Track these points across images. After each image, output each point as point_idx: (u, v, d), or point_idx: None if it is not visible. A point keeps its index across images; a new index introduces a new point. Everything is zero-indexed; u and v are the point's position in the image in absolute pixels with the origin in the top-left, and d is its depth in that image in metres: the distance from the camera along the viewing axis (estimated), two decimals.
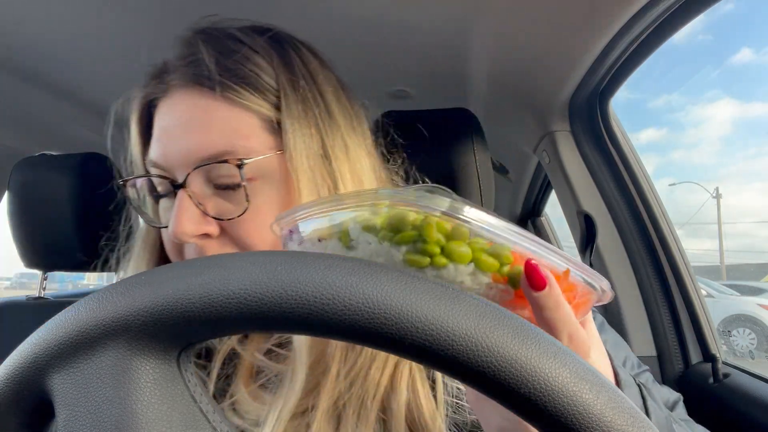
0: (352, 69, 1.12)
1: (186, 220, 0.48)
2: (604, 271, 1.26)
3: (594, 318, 0.59)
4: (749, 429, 0.89)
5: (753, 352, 5.84)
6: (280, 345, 0.50)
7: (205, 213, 0.49)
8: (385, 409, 0.45)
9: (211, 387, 0.49)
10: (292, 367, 0.46)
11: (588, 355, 0.34)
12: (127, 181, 0.55)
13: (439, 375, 0.48)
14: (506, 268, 0.31)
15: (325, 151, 0.51)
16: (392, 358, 0.46)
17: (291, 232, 0.34)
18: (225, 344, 0.51)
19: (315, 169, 0.50)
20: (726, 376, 1.03)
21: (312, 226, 0.33)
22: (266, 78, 0.51)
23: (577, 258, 1.38)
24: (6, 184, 0.98)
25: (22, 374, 0.23)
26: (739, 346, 5.75)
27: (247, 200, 0.49)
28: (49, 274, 1.09)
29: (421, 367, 0.48)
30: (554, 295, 0.31)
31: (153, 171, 0.52)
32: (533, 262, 0.30)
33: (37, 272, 1.08)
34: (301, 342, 0.45)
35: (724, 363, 1.07)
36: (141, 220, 0.58)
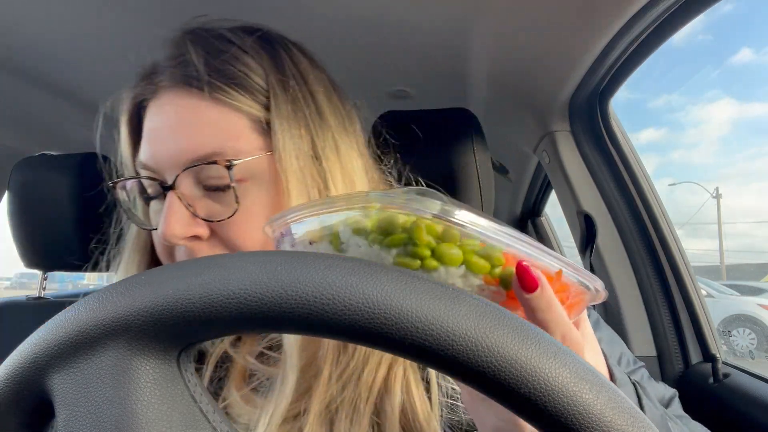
0: (352, 69, 1.13)
1: (175, 222, 0.48)
2: (604, 271, 1.26)
3: (589, 315, 0.59)
4: (749, 429, 0.89)
5: (753, 352, 5.84)
6: (272, 348, 0.50)
7: (194, 215, 0.49)
8: (378, 412, 0.45)
9: None
10: (282, 370, 0.45)
11: (582, 354, 0.33)
12: (116, 183, 0.55)
13: (433, 376, 0.48)
14: (498, 270, 0.31)
15: (316, 152, 0.51)
16: (386, 360, 0.46)
17: (283, 234, 0.34)
18: (217, 347, 0.51)
19: (305, 170, 0.49)
20: (726, 376, 1.03)
21: (304, 228, 0.33)
22: (256, 78, 0.51)
23: (577, 259, 1.38)
24: (6, 184, 0.98)
25: (22, 374, 0.23)
26: (739, 346, 5.75)
27: (237, 201, 0.48)
28: (49, 274, 1.09)
29: (416, 368, 0.47)
30: (546, 296, 0.30)
31: (143, 172, 0.52)
32: (524, 263, 0.30)
33: (37, 272, 1.08)
34: (291, 345, 0.45)
35: (724, 363, 1.07)
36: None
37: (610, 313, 1.25)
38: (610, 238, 1.25)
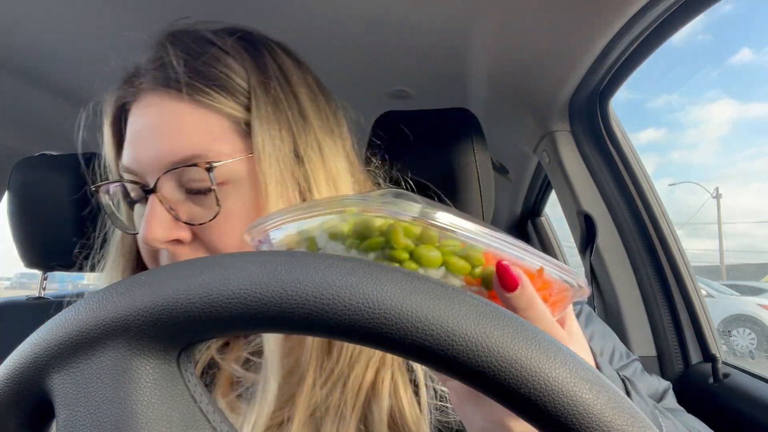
0: (352, 69, 1.13)
1: (156, 225, 0.47)
2: (604, 271, 1.26)
3: (581, 310, 0.59)
4: (749, 429, 0.89)
5: (753, 352, 5.84)
6: (257, 354, 0.49)
7: (176, 218, 0.48)
8: (366, 418, 0.44)
9: None
10: (263, 376, 0.44)
11: None
12: (99, 187, 0.54)
13: (422, 378, 0.47)
14: (478, 270, 0.31)
15: (298, 153, 0.50)
16: (372, 364, 0.45)
17: (261, 241, 0.34)
18: (204, 353, 0.51)
19: (285, 172, 0.49)
20: (726, 376, 1.03)
21: (282, 234, 0.32)
22: (237, 79, 0.50)
23: (577, 259, 1.38)
24: (6, 184, 0.98)
25: (22, 374, 0.23)
26: (739, 346, 5.75)
27: (218, 204, 0.48)
28: (49, 274, 1.09)
29: (404, 371, 0.47)
30: (527, 294, 0.30)
31: (125, 176, 0.51)
32: (504, 262, 0.30)
33: (37, 272, 1.08)
34: (272, 350, 0.44)
35: (724, 363, 1.07)
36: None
37: (610, 313, 1.25)
38: (610, 238, 1.25)
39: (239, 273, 0.22)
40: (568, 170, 1.30)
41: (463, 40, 0.99)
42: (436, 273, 0.30)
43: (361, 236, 0.29)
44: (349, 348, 0.45)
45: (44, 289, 1.11)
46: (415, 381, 0.47)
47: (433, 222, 0.28)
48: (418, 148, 0.77)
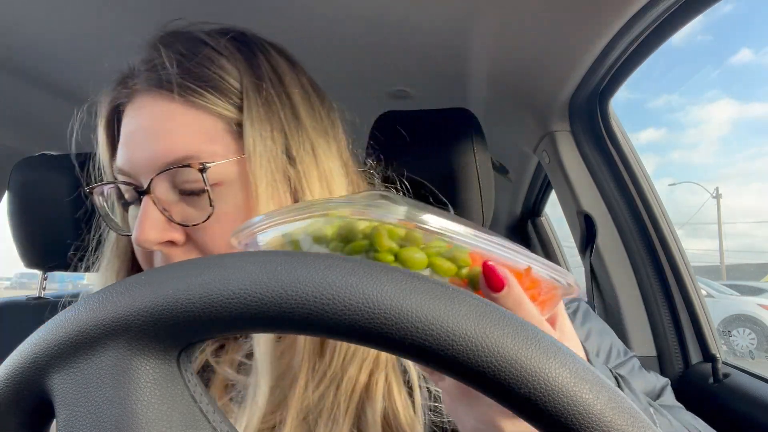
0: (352, 69, 1.13)
1: (149, 227, 0.47)
2: (604, 271, 1.26)
3: (578, 307, 0.59)
4: (749, 429, 0.89)
5: (753, 352, 5.84)
6: (252, 356, 0.48)
7: (170, 219, 0.48)
8: (359, 420, 0.44)
9: None
10: (254, 379, 0.44)
11: None
12: (93, 188, 0.54)
13: (416, 379, 0.47)
14: (465, 271, 0.30)
15: (290, 154, 0.50)
16: (366, 367, 0.45)
17: (247, 245, 0.34)
18: (198, 357, 0.50)
19: (276, 173, 0.48)
20: (726, 376, 1.03)
21: (268, 237, 0.32)
22: (230, 80, 0.50)
23: (577, 259, 1.38)
24: (6, 184, 0.98)
25: (22, 374, 0.23)
26: (739, 346, 5.75)
27: (212, 205, 0.47)
28: (49, 274, 1.09)
29: (398, 372, 0.47)
30: (513, 294, 0.30)
31: (119, 178, 0.51)
32: (490, 263, 0.30)
33: (37, 272, 1.08)
34: (262, 353, 0.44)
35: (724, 363, 1.07)
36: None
37: (610, 313, 1.25)
38: (610, 238, 1.25)
39: (239, 273, 0.22)
40: (568, 170, 1.30)
41: (463, 40, 0.99)
42: (423, 275, 0.29)
43: (345, 239, 0.29)
44: (342, 349, 0.45)
45: (44, 289, 1.11)
46: (408, 382, 0.47)
47: (417, 223, 0.28)
48: (418, 148, 0.77)
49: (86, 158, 0.59)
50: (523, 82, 1.16)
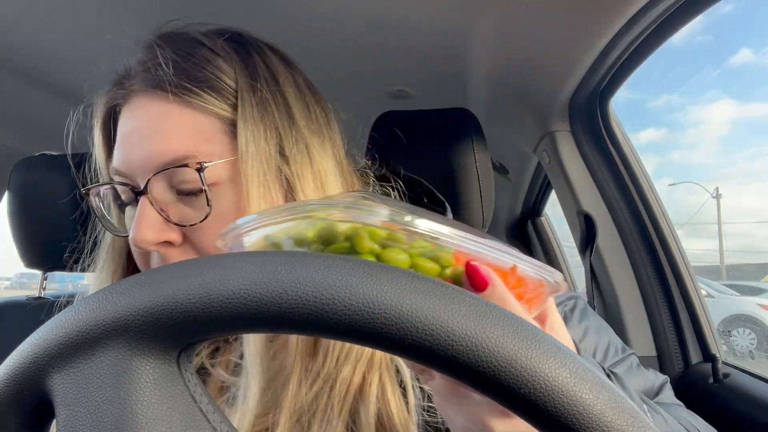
0: (352, 69, 1.13)
1: (146, 227, 0.47)
2: (604, 271, 1.26)
3: (575, 304, 0.59)
4: (749, 429, 0.89)
5: (753, 352, 5.84)
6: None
7: (167, 219, 0.48)
8: (354, 421, 0.44)
9: None
10: (244, 381, 0.44)
11: None
12: (89, 189, 0.54)
13: (409, 380, 0.46)
14: (448, 271, 0.30)
15: (284, 154, 0.50)
16: (360, 367, 0.45)
17: (232, 248, 0.34)
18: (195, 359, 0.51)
19: (269, 173, 0.48)
20: (726, 376, 1.03)
21: (252, 240, 0.32)
22: (227, 80, 0.50)
23: (577, 259, 1.38)
24: (6, 184, 0.98)
25: (22, 374, 0.23)
26: (739, 346, 5.75)
27: (209, 205, 0.47)
28: (49, 274, 1.09)
29: (392, 372, 0.46)
30: (497, 293, 0.30)
31: (116, 178, 0.51)
32: (473, 262, 0.30)
33: (37, 272, 1.08)
34: (252, 353, 0.44)
35: (724, 363, 1.07)
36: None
37: (610, 313, 1.25)
38: (610, 238, 1.25)
39: (239, 273, 0.22)
40: (568, 170, 1.30)
41: (463, 40, 0.99)
42: None
43: (326, 242, 0.29)
44: (335, 350, 0.45)
45: (44, 289, 1.11)
46: (401, 382, 0.46)
47: (399, 224, 0.28)
48: (418, 149, 0.77)
49: (83, 159, 0.59)
50: (523, 82, 1.16)
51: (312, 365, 0.44)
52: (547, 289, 0.35)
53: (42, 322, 0.24)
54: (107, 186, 0.54)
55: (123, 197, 0.53)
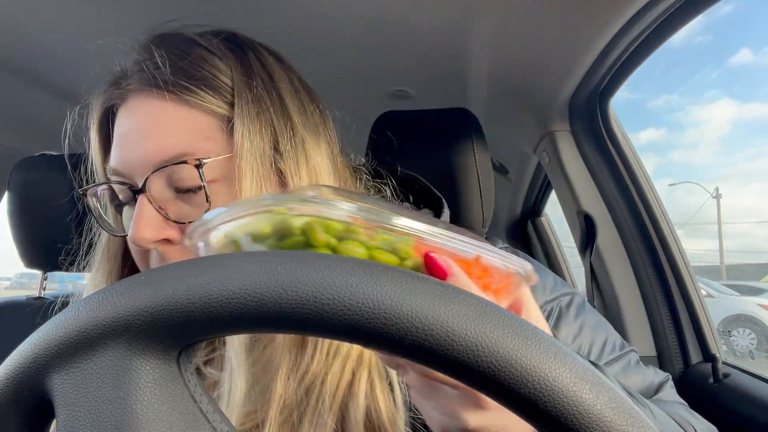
0: (352, 69, 1.13)
1: (145, 225, 0.47)
2: (604, 271, 1.26)
3: (572, 300, 0.59)
4: (749, 429, 0.89)
5: (753, 352, 5.84)
6: None
7: (166, 217, 0.48)
8: (343, 418, 0.44)
9: None
10: (228, 377, 0.44)
11: None
12: (86, 189, 0.54)
13: (395, 377, 0.46)
14: (408, 263, 0.30)
15: (278, 150, 0.50)
16: (350, 365, 0.45)
17: (198, 246, 0.33)
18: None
19: (263, 170, 0.49)
20: (726, 376, 1.03)
21: (216, 236, 0.31)
22: (223, 78, 0.50)
23: (577, 259, 1.37)
24: (6, 184, 0.98)
25: (22, 374, 0.23)
26: (739, 346, 5.76)
27: (208, 202, 0.47)
28: (49, 274, 1.09)
29: (381, 369, 0.46)
30: (460, 283, 0.30)
31: (113, 178, 0.51)
32: (432, 254, 0.30)
33: (37, 272, 1.08)
34: (236, 349, 0.44)
35: (724, 363, 1.07)
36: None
37: (610, 313, 1.25)
38: (610, 238, 1.25)
39: (239, 273, 0.22)
40: (568, 170, 1.30)
41: (463, 40, 0.99)
42: None
43: (282, 236, 0.29)
44: (324, 346, 0.45)
45: (44, 289, 1.11)
46: (389, 380, 0.47)
47: (355, 216, 0.28)
48: (418, 149, 0.77)
49: (79, 159, 0.59)
50: (523, 82, 1.16)
51: (300, 361, 0.44)
52: (515, 279, 0.34)
53: (42, 322, 0.24)
54: (104, 186, 0.54)
55: (121, 197, 0.53)
